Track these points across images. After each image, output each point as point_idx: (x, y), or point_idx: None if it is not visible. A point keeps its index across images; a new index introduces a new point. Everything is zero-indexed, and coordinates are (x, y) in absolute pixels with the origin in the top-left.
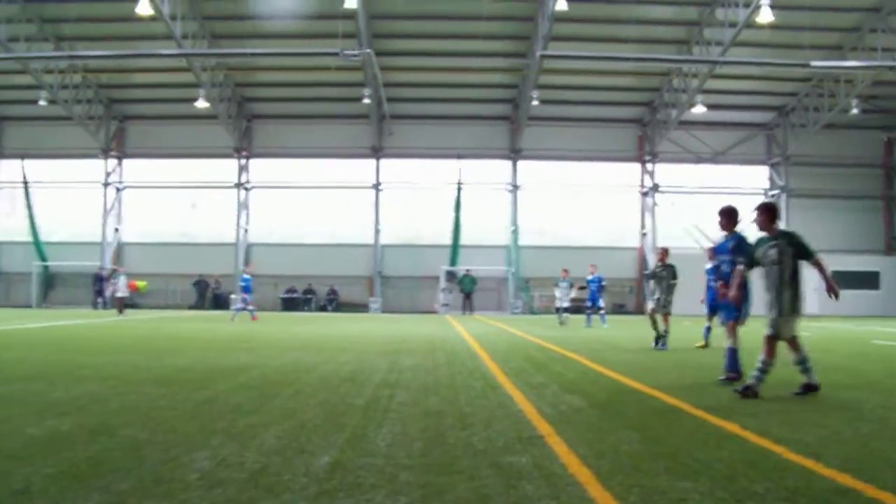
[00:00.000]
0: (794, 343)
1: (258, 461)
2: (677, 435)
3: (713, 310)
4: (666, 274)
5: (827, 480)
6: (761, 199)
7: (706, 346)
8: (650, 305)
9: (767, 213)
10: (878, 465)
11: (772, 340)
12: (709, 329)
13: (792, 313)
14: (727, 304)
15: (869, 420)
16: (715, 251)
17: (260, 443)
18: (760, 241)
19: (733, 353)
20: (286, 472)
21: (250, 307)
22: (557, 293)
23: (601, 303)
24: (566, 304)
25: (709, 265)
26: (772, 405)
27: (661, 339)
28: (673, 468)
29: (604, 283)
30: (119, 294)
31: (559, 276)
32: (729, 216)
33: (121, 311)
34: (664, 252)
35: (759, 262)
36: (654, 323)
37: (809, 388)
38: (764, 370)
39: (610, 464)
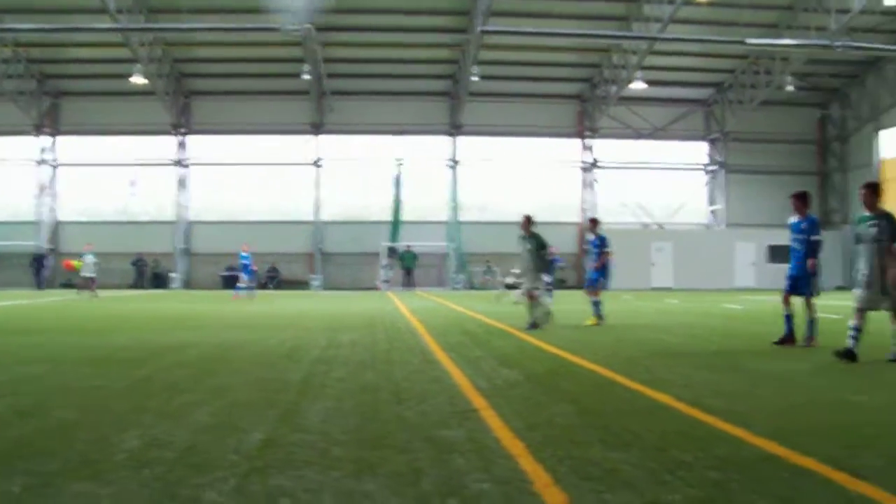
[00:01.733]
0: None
1: (189, 440)
2: (612, 407)
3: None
4: (530, 245)
5: (755, 448)
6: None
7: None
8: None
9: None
10: (803, 433)
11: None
12: (596, 303)
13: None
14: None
15: (799, 390)
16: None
17: (192, 421)
18: (861, 219)
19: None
20: (216, 449)
21: (251, 286)
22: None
23: None
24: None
25: (591, 237)
26: (706, 377)
27: (535, 323)
28: (606, 439)
29: None
30: (87, 274)
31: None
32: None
33: (92, 290)
34: (526, 220)
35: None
36: (530, 305)
37: (849, 356)
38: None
39: (543, 436)
